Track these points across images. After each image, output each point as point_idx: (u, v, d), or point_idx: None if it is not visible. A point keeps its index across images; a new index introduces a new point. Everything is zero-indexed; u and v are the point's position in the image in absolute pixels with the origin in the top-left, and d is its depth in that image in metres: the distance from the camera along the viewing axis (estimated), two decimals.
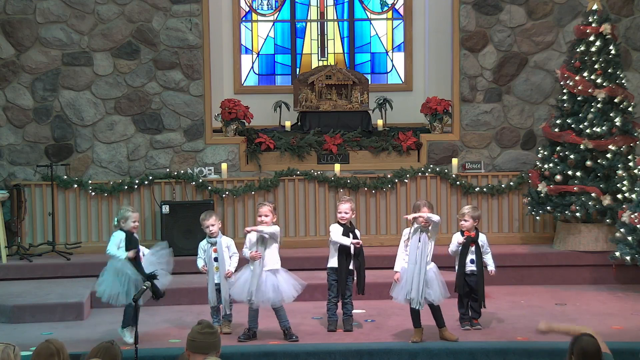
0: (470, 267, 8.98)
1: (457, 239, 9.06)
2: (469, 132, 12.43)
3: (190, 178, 11.89)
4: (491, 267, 9.14)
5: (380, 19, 14.00)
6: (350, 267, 9.02)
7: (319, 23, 13.96)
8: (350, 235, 9.00)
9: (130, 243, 8.67)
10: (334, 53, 13.97)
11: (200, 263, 9.09)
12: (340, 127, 12.62)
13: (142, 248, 8.85)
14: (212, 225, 8.98)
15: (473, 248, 9.04)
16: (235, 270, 8.97)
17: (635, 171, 10.93)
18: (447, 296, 8.66)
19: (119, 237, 8.68)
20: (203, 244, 9.08)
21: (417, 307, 8.46)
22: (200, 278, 9.99)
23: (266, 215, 8.77)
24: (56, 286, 10.43)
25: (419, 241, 8.43)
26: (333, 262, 9.04)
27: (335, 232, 9.00)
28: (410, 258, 8.45)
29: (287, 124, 12.91)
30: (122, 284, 8.55)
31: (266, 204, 8.91)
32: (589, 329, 5.75)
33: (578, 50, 11.31)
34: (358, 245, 8.97)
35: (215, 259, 8.97)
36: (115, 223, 8.86)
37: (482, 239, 9.15)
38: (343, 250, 8.98)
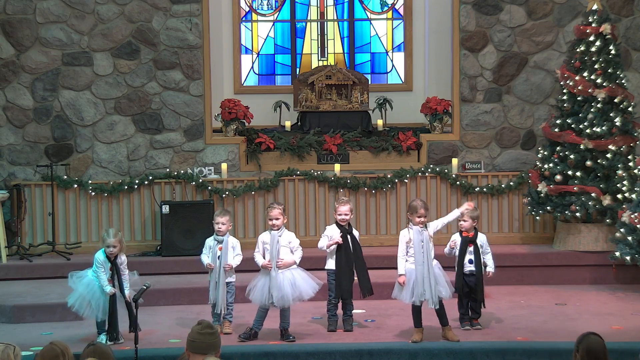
0: (468, 267, 8.96)
1: (456, 239, 9.06)
2: (469, 132, 12.43)
3: (190, 178, 11.89)
4: (490, 267, 9.08)
5: (380, 19, 14.00)
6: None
7: (319, 23, 13.95)
8: (349, 237, 8.98)
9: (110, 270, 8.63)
10: (334, 53, 13.97)
11: (205, 260, 8.97)
12: (340, 127, 12.61)
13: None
14: (223, 224, 8.93)
15: (471, 248, 9.02)
16: (246, 271, 8.93)
17: (635, 171, 10.92)
18: (454, 290, 8.69)
19: (100, 257, 8.61)
20: (209, 241, 9.02)
21: (434, 307, 8.44)
22: (200, 278, 10.00)
23: (277, 219, 8.74)
24: (56, 286, 10.40)
25: (422, 241, 8.42)
26: (330, 264, 9.05)
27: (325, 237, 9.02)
28: (417, 259, 8.40)
29: (287, 124, 12.91)
30: (94, 302, 8.55)
31: (276, 206, 8.84)
32: None
33: (578, 50, 11.30)
34: (339, 242, 8.90)
35: (219, 257, 8.94)
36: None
37: (482, 239, 9.12)
38: (340, 250, 8.96)
